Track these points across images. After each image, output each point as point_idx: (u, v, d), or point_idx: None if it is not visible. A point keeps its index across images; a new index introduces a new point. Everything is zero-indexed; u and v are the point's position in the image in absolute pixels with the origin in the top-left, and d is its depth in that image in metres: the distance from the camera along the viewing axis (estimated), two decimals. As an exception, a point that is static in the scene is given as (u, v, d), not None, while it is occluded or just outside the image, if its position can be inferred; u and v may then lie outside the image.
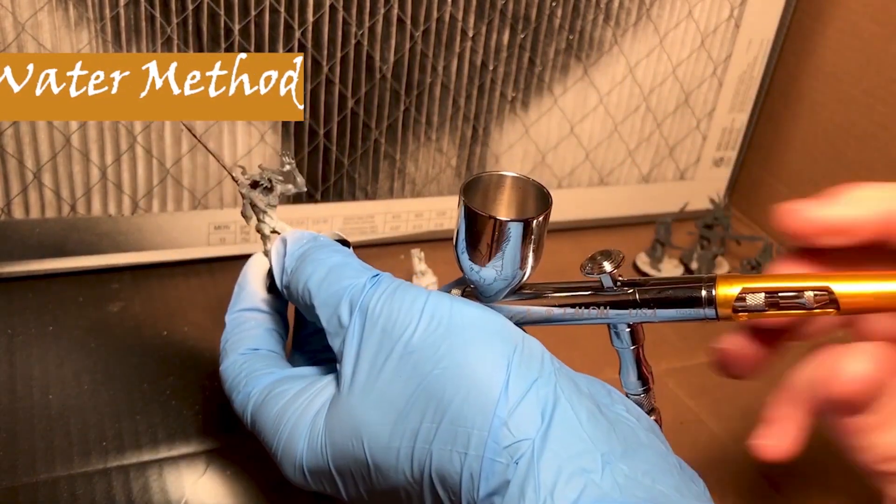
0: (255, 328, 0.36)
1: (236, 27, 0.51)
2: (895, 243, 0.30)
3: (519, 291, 0.33)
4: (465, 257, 0.31)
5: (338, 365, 0.31)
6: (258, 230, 0.39)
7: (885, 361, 0.27)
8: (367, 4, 0.53)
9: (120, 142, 0.52)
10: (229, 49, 0.51)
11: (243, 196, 0.38)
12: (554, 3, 0.58)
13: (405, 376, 0.28)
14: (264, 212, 0.38)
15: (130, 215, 0.54)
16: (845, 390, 0.27)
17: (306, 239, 0.35)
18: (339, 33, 0.53)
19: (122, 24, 0.48)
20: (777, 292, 0.27)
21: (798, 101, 0.70)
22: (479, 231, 0.30)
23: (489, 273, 0.31)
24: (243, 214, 0.38)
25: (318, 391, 0.32)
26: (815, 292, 0.26)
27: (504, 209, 0.32)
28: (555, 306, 0.32)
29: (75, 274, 0.54)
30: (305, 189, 0.39)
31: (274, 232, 0.38)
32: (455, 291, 0.34)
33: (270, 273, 0.37)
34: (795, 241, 0.31)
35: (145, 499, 0.40)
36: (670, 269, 0.65)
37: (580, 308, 0.31)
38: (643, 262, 0.65)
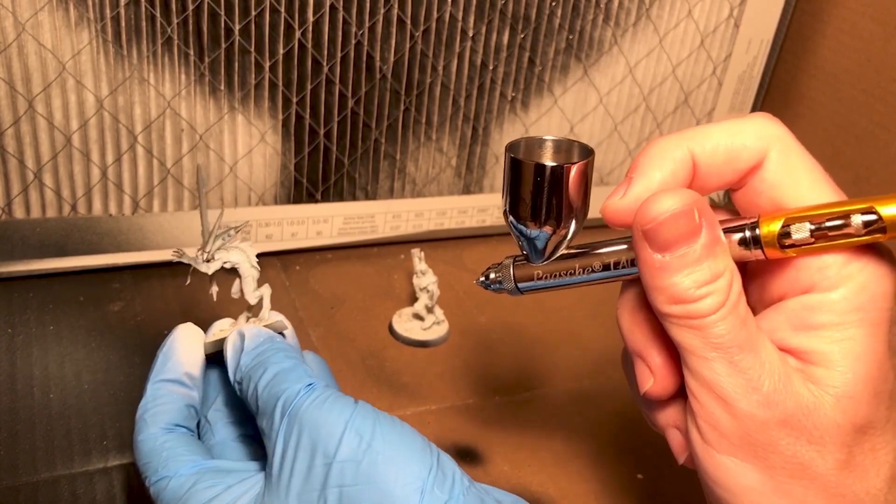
0: (177, 402, 0.36)
1: (236, 27, 0.51)
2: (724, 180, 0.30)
3: (567, 251, 0.33)
4: (513, 217, 0.32)
5: (267, 465, 0.32)
6: (203, 250, 0.38)
7: (694, 203, 0.27)
8: (367, 4, 0.53)
9: (120, 142, 0.52)
10: (230, 49, 0.51)
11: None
12: (554, 3, 0.58)
13: (326, 485, 0.30)
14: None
15: (131, 215, 0.54)
16: (652, 221, 0.28)
17: (262, 338, 0.36)
18: (339, 33, 0.53)
19: (123, 24, 0.48)
20: (822, 221, 0.26)
21: (798, 100, 0.70)
22: (525, 181, 0.30)
23: (537, 227, 0.31)
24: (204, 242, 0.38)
25: (246, 489, 0.33)
26: (863, 215, 0.26)
27: (548, 160, 0.32)
28: (605, 262, 0.32)
29: (76, 273, 0.55)
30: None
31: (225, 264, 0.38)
32: (507, 260, 0.34)
33: (216, 345, 0.38)
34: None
35: (147, 498, 0.40)
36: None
37: (628, 264, 0.31)
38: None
